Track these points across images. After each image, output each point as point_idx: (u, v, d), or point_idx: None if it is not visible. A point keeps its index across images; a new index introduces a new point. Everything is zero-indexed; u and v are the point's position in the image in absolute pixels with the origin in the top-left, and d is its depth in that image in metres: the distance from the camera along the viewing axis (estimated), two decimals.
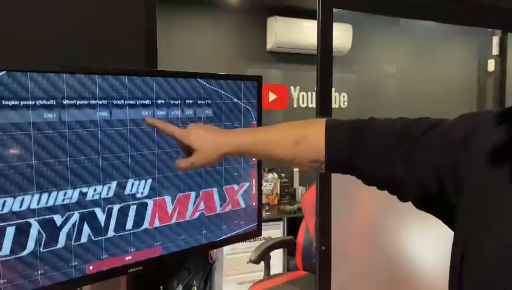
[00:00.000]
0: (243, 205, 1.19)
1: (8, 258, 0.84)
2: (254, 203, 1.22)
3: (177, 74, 1.04)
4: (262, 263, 2.70)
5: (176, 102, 1.04)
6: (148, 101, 0.99)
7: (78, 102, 0.90)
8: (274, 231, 3.14)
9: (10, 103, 0.81)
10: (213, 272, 3.25)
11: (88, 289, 1.08)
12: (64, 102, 0.88)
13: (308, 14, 3.19)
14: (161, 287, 2.67)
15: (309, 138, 0.71)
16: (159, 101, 1.01)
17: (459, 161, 0.58)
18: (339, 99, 3.73)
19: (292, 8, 3.33)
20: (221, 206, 1.15)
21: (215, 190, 1.13)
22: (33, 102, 0.84)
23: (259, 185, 1.22)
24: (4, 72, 0.80)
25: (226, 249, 3.07)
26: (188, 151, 0.77)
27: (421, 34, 3.59)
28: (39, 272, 0.87)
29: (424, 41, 3.68)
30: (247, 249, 2.91)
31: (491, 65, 3.26)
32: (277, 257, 3.12)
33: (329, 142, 0.69)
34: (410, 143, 0.63)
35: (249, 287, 2.64)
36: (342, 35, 3.45)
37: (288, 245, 2.96)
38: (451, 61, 3.89)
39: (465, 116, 0.63)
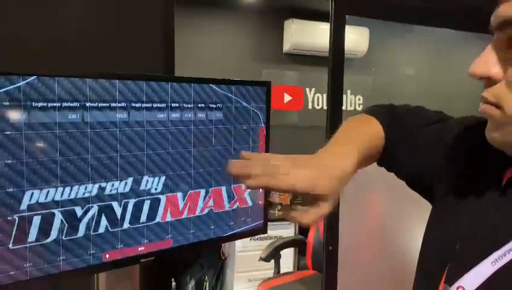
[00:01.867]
0: (249, 203, 1.26)
1: (34, 244, 0.93)
2: (260, 202, 1.29)
3: (191, 79, 1.12)
4: (272, 261, 2.76)
5: (189, 105, 1.11)
6: (163, 105, 1.07)
7: (100, 104, 0.98)
8: (285, 230, 3.15)
9: (39, 104, 0.90)
10: (225, 269, 3.31)
11: (103, 277, 1.17)
12: (87, 104, 0.96)
13: (324, 17, 3.22)
14: (172, 279, 2.75)
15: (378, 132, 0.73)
16: (173, 105, 1.09)
17: (443, 160, 0.66)
18: (355, 102, 3.75)
19: (309, 10, 3.37)
20: (229, 203, 1.22)
21: (223, 188, 1.20)
22: (59, 104, 0.93)
23: None
24: (34, 77, 0.89)
25: (238, 247, 3.12)
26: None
27: (437, 37, 3.59)
28: (61, 258, 0.96)
29: (440, 44, 3.67)
30: (258, 247, 2.96)
31: None
32: (288, 256, 3.15)
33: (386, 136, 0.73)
34: (417, 129, 0.71)
35: (258, 284, 2.70)
36: (359, 38, 3.48)
37: (298, 244, 3.01)
38: (468, 64, 3.87)
39: (462, 119, 0.69)
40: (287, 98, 3.58)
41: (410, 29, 3.38)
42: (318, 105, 3.69)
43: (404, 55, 3.77)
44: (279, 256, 2.79)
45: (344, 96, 3.70)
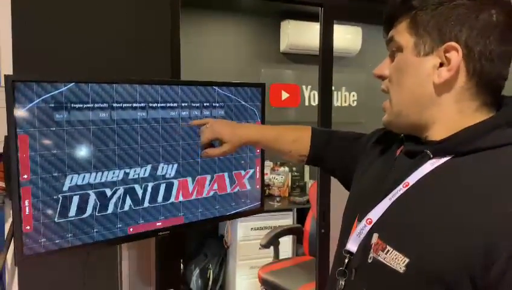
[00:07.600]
0: (248, 187, 1.47)
1: (74, 218, 1.15)
2: (258, 186, 1.50)
3: (197, 83, 1.33)
4: (272, 248, 2.93)
5: (196, 104, 1.33)
6: (175, 104, 1.28)
7: (124, 105, 1.19)
8: (284, 220, 3.24)
9: (77, 105, 1.11)
10: (227, 257, 3.43)
11: (125, 248, 1.38)
12: (114, 105, 1.18)
13: (319, 18, 3.38)
14: (181, 260, 2.91)
15: (302, 139, 1.00)
16: (183, 104, 1.30)
17: (361, 154, 0.91)
18: (349, 98, 3.90)
19: (304, 12, 3.53)
20: (231, 187, 1.43)
21: (226, 174, 1.42)
22: (92, 105, 1.14)
23: (262, 171, 1.50)
24: (73, 83, 1.10)
25: (240, 236, 3.27)
26: (210, 143, 0.96)
27: None
28: (94, 230, 1.18)
29: None
30: (259, 236, 3.07)
31: None
32: (287, 244, 3.29)
33: (312, 144, 0.99)
34: (348, 144, 0.97)
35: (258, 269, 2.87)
36: (352, 37, 3.62)
37: (295, 232, 3.15)
38: None
39: (375, 131, 0.95)
40: (285, 95, 3.72)
41: None
42: (314, 101, 3.82)
43: None
44: (278, 243, 2.94)
45: (339, 93, 3.87)
